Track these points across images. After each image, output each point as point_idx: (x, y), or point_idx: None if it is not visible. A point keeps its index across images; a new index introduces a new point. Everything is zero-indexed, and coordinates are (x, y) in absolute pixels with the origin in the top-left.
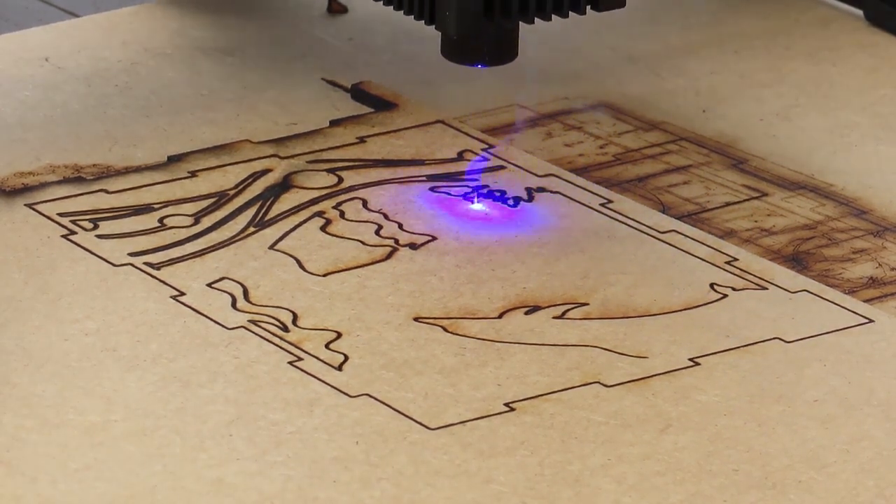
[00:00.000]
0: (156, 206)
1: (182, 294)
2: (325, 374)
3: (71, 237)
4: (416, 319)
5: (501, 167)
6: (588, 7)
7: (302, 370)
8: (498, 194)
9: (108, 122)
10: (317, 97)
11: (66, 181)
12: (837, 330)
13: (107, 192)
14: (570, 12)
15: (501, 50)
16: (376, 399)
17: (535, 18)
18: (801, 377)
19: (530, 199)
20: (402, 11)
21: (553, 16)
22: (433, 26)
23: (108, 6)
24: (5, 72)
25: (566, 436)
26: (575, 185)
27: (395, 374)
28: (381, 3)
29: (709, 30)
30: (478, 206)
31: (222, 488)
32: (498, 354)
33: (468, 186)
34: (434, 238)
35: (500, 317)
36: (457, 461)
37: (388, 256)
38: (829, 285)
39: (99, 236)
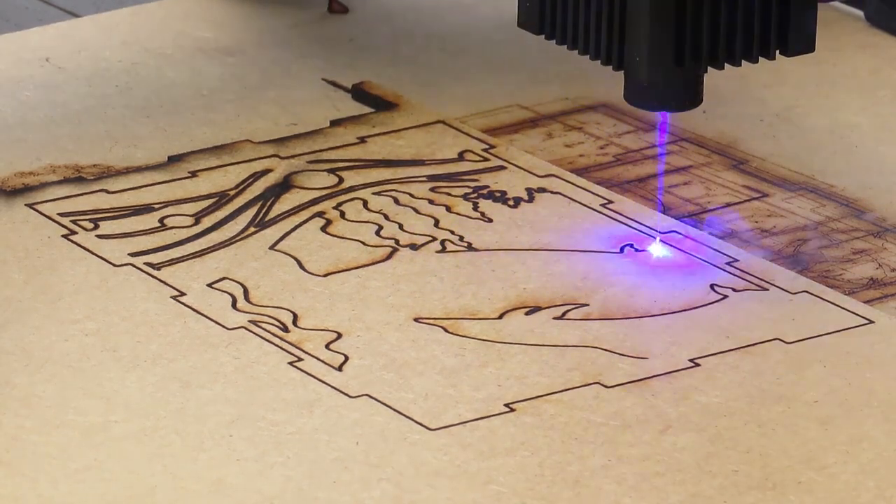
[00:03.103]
0: (156, 206)
1: (182, 294)
2: (326, 375)
3: (71, 237)
4: (416, 320)
5: (501, 167)
6: (777, 52)
7: (302, 371)
8: (498, 194)
9: (109, 122)
10: (317, 97)
11: (66, 181)
12: (838, 331)
13: (107, 192)
14: (759, 57)
15: (689, 96)
16: (376, 399)
17: (725, 64)
18: (801, 378)
19: (530, 199)
20: (587, 55)
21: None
22: (621, 71)
23: (108, 6)
24: (5, 72)
25: (566, 436)
26: (575, 185)
27: (396, 375)
28: (556, 42)
29: None
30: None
31: (222, 489)
32: (498, 355)
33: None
34: (434, 238)
35: (500, 317)
36: (457, 462)
37: (389, 257)
38: (829, 286)
39: (99, 236)
